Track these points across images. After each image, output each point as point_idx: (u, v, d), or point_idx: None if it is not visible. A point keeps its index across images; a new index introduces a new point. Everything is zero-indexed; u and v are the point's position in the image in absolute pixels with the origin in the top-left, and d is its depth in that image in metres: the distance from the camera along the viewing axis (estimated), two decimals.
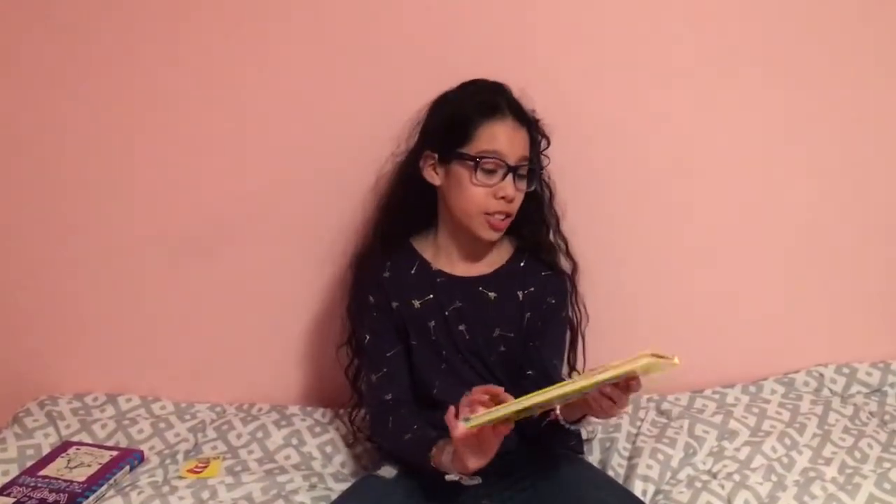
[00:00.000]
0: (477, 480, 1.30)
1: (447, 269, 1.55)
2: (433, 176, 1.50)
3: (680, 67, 1.75)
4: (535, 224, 1.60)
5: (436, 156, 1.49)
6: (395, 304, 1.54)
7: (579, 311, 1.65)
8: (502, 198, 1.45)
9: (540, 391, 1.17)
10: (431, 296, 1.54)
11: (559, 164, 1.64)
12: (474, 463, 1.26)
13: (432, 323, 1.53)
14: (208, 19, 1.72)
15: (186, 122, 1.77)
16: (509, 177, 1.44)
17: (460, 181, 1.46)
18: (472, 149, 1.44)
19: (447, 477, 1.31)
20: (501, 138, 1.44)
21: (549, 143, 1.59)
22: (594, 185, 1.75)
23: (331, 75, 1.74)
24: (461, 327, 1.53)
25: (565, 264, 1.64)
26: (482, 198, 1.45)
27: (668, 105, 1.77)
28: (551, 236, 1.64)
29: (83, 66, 1.75)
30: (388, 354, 1.53)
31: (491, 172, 1.44)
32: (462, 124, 1.46)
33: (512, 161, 1.45)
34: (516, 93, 1.52)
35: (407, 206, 1.57)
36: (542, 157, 1.60)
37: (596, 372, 1.16)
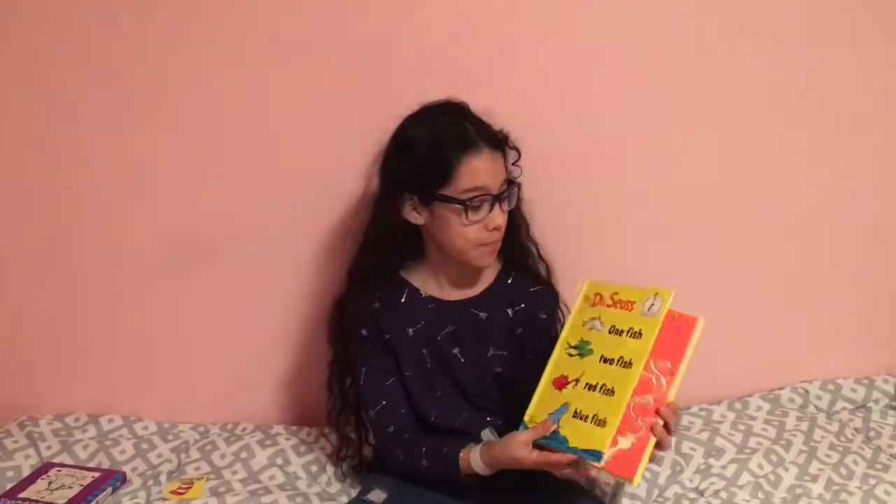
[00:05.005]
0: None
1: (437, 295, 1.53)
2: (416, 217, 1.46)
3: (663, 72, 1.75)
4: (515, 239, 1.56)
5: (415, 198, 1.44)
6: (387, 336, 1.51)
7: (562, 313, 1.60)
8: (494, 228, 1.42)
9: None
10: (423, 323, 1.52)
11: (535, 170, 1.59)
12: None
13: (426, 350, 1.52)
14: (203, 46, 1.72)
15: (167, 142, 1.76)
16: (496, 206, 1.41)
17: (448, 222, 1.41)
18: (454, 189, 1.39)
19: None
20: (482, 172, 1.39)
21: (519, 155, 1.53)
22: (581, 196, 1.76)
23: (318, 93, 1.73)
24: (455, 350, 1.53)
25: (540, 267, 1.60)
26: (475, 234, 1.42)
27: (650, 114, 1.76)
28: (523, 240, 1.59)
29: (63, 81, 1.74)
30: (387, 384, 1.52)
31: (478, 209, 1.40)
32: (439, 165, 1.39)
33: (495, 190, 1.41)
34: (478, 111, 1.47)
35: (388, 246, 1.51)
36: (515, 167, 1.53)
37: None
